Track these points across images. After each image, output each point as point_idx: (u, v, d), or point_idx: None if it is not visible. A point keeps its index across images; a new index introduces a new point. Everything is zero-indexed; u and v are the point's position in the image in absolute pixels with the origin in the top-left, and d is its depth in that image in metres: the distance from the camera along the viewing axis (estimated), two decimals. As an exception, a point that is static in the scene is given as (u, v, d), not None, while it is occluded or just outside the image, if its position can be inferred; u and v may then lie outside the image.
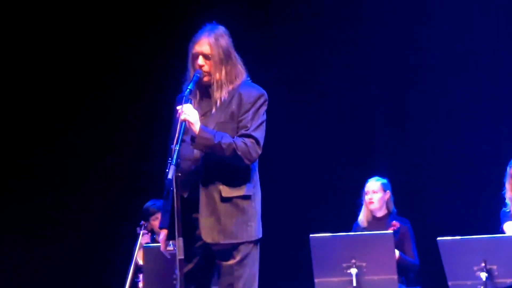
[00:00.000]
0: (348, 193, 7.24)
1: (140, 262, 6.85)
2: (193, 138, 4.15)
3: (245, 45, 7.69)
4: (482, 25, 7.73)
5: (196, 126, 4.13)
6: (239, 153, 4.19)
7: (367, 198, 6.90)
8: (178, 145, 4.02)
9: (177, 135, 4.06)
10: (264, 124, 4.35)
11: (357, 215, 6.96)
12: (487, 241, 5.71)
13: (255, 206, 4.36)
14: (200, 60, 4.29)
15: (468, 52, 7.75)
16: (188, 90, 4.19)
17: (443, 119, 7.83)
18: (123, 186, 8.30)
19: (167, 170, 3.97)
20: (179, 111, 4.14)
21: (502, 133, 7.54)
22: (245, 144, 4.23)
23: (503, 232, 6.13)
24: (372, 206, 6.88)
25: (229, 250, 4.26)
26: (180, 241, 4.11)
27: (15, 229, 8.36)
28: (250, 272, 4.31)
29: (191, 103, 4.20)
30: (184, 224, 4.16)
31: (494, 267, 5.60)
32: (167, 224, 4.28)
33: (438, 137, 7.82)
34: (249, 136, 4.26)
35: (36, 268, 8.36)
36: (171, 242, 4.39)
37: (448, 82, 7.85)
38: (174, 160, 3.98)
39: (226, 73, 4.30)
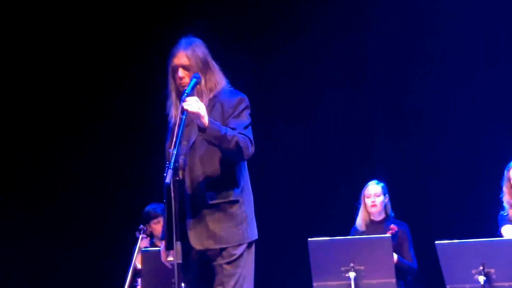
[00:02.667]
0: (346, 197, 7.25)
1: (139, 266, 6.85)
2: (202, 129, 4.15)
3: (242, 50, 7.76)
4: (479, 31, 7.75)
5: (206, 118, 4.14)
6: (241, 145, 4.21)
7: (368, 201, 6.90)
8: (176, 149, 4.03)
9: (174, 139, 4.07)
10: (251, 126, 4.38)
11: (355, 219, 6.96)
12: (485, 245, 5.71)
13: (245, 209, 4.38)
14: (180, 72, 4.34)
15: (466, 57, 7.77)
16: (185, 94, 4.20)
17: (441, 122, 7.84)
18: (123, 190, 8.30)
19: (165, 174, 3.98)
20: (184, 107, 4.14)
21: (499, 137, 7.56)
22: (244, 136, 4.26)
23: (501, 236, 6.14)
24: (374, 209, 6.88)
25: (220, 253, 4.30)
26: (178, 245, 4.12)
27: (14, 233, 8.36)
28: (242, 272, 4.33)
29: (195, 83, 4.23)
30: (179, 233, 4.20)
31: (492, 270, 5.60)
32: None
33: (436, 140, 7.83)
34: (241, 134, 4.29)
35: (35, 271, 8.36)
36: (171, 251, 4.41)
37: (446, 87, 7.86)
38: (172, 164, 3.99)
39: (205, 81, 4.35)
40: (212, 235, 4.26)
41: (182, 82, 4.33)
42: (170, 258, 4.37)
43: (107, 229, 8.25)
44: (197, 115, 4.10)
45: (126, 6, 8.52)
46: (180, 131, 4.08)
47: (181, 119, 4.11)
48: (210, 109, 4.30)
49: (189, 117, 4.14)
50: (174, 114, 4.39)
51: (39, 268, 8.37)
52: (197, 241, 4.25)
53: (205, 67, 4.36)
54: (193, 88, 4.27)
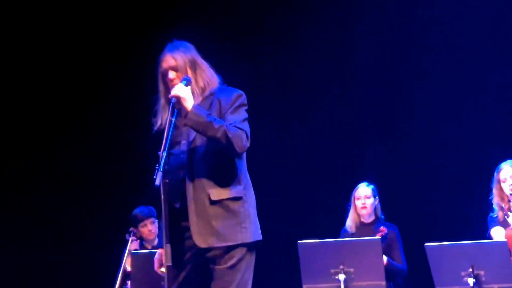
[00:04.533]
0: (335, 199, 7.26)
1: (129, 268, 6.84)
2: (185, 114, 4.17)
3: (231, 53, 7.74)
4: (468, 35, 7.78)
5: (189, 102, 4.17)
6: (230, 136, 4.17)
7: (359, 203, 6.90)
8: (166, 151, 4.03)
9: (164, 141, 4.07)
10: (247, 121, 4.36)
11: (344, 221, 6.97)
12: (475, 247, 5.72)
13: (248, 207, 4.35)
14: (170, 74, 4.34)
15: (455, 60, 7.79)
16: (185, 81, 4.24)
17: (430, 125, 7.86)
18: (114, 191, 8.29)
19: (154, 177, 3.98)
20: (170, 94, 4.17)
21: (489, 139, 7.58)
22: (238, 128, 4.24)
23: (490, 238, 6.15)
24: (364, 211, 6.89)
25: (222, 254, 4.24)
26: (167, 247, 4.10)
27: (5, 234, 8.34)
28: (243, 278, 4.29)
29: (186, 84, 4.23)
30: (177, 233, 4.19)
31: (482, 272, 5.62)
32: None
33: (426, 143, 7.85)
34: (237, 127, 4.28)
35: (25, 272, 8.34)
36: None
37: (435, 89, 7.89)
38: (161, 166, 3.99)
39: (196, 80, 4.34)
40: (215, 232, 4.21)
41: (173, 83, 4.32)
42: (163, 270, 4.33)
43: (97, 231, 8.24)
44: (181, 99, 4.13)
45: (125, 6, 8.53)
46: (170, 134, 4.08)
47: (170, 121, 4.11)
48: (207, 107, 4.30)
49: (178, 105, 4.15)
50: (163, 119, 4.37)
51: (29, 270, 8.34)
52: (200, 239, 4.19)
53: (193, 66, 4.36)
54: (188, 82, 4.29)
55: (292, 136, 8.16)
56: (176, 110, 4.16)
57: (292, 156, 8.17)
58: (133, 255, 6.41)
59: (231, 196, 4.28)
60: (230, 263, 4.25)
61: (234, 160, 4.31)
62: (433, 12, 7.87)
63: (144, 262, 6.01)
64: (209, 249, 4.22)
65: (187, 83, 4.26)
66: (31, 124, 8.55)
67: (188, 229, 4.22)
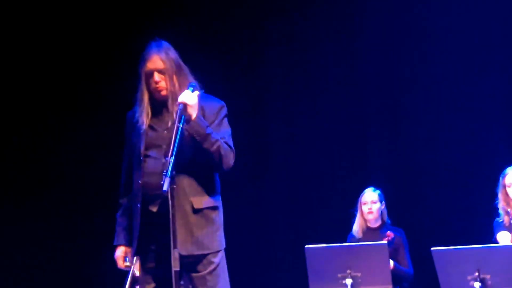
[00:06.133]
0: (342, 203, 7.27)
1: (137, 273, 6.84)
2: (188, 121, 4.20)
3: (235, 53, 7.72)
4: (472, 36, 7.76)
5: (194, 110, 4.21)
6: (222, 153, 4.27)
7: (365, 208, 6.93)
8: (174, 157, 4.05)
9: (171, 147, 4.09)
10: (231, 134, 4.43)
11: (351, 225, 7.00)
12: (481, 251, 5.72)
13: (221, 216, 4.45)
14: (156, 77, 4.35)
15: (461, 64, 7.77)
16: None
17: (436, 129, 7.85)
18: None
19: (162, 182, 4.01)
20: (179, 99, 4.19)
21: (495, 143, 7.57)
22: (228, 147, 4.33)
23: (496, 242, 6.17)
24: (371, 216, 6.91)
25: (200, 261, 4.34)
26: (176, 253, 4.14)
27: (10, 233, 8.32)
28: (224, 281, 4.40)
29: (193, 91, 4.25)
30: (152, 238, 4.29)
31: (488, 276, 5.62)
32: (126, 241, 4.45)
33: (432, 147, 7.84)
34: (228, 144, 4.35)
35: (27, 276, 8.30)
36: (127, 258, 4.49)
37: (441, 94, 7.88)
38: (169, 172, 4.02)
39: (179, 84, 4.36)
40: (196, 241, 4.30)
41: (158, 86, 4.35)
42: (127, 264, 4.46)
43: (103, 234, 8.18)
44: (188, 106, 4.16)
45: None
46: (177, 139, 4.10)
47: (178, 127, 4.13)
48: None
49: (184, 111, 4.17)
50: (144, 120, 4.39)
51: (29, 276, 8.30)
52: (181, 247, 4.22)
53: (179, 70, 4.39)
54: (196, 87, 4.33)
55: (299, 141, 8.16)
56: (183, 116, 4.20)
57: (298, 161, 8.17)
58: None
59: (210, 205, 4.38)
60: (209, 269, 4.35)
61: (213, 171, 4.41)
62: (441, 12, 7.84)
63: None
64: (187, 256, 4.29)
65: (194, 89, 4.30)
66: (24, 117, 8.42)
67: (165, 234, 4.20)
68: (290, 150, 8.17)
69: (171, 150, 4.08)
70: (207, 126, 4.26)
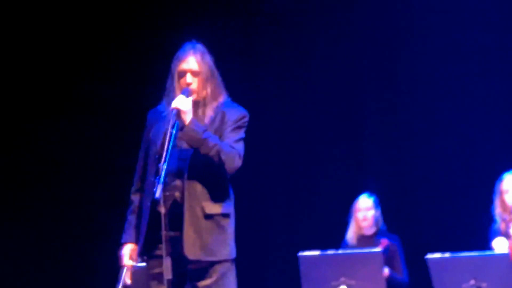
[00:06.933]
0: (336, 209, 7.23)
1: (128, 281, 6.78)
2: (181, 127, 4.16)
3: (232, 54, 7.69)
4: (471, 38, 7.75)
5: (188, 116, 4.16)
6: (223, 156, 4.20)
7: (360, 215, 6.87)
8: (166, 163, 4.01)
9: (164, 153, 4.06)
10: (243, 141, 4.37)
11: (345, 232, 6.94)
12: (477, 259, 5.70)
13: (232, 225, 4.38)
14: (189, 78, 4.31)
15: (459, 66, 7.76)
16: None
17: (432, 134, 7.84)
18: (113, 202, 8.22)
19: (154, 189, 3.96)
20: (172, 105, 4.15)
21: (491, 149, 7.55)
22: (232, 148, 4.25)
23: (492, 249, 6.13)
24: (365, 224, 6.86)
25: (206, 269, 4.25)
26: (168, 261, 4.09)
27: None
28: None
29: (187, 96, 4.21)
30: (159, 240, 4.18)
31: (484, 284, 5.59)
32: (134, 239, 4.34)
33: (427, 153, 7.82)
34: (231, 146, 4.29)
35: (27, 276, 8.26)
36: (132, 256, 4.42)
37: (437, 98, 7.86)
38: (162, 179, 3.97)
39: (211, 90, 4.34)
40: (204, 247, 4.22)
41: (189, 88, 4.31)
42: (132, 262, 4.42)
43: (95, 241, 8.15)
44: (181, 112, 4.13)
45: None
46: (170, 145, 4.07)
47: (171, 133, 4.10)
48: (213, 119, 4.31)
49: (177, 117, 4.14)
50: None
51: (24, 280, 8.26)
52: (190, 251, 4.18)
53: (212, 76, 4.36)
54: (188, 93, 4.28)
55: (292, 146, 8.14)
56: (176, 122, 4.15)
57: (291, 166, 8.15)
58: (133, 269, 6.36)
59: (222, 212, 4.31)
60: (214, 278, 4.26)
61: (227, 176, 4.33)
62: (440, 10, 7.82)
63: (144, 275, 5.95)
64: (193, 262, 4.22)
65: (188, 94, 4.25)
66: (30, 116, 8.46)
67: (176, 237, 4.18)
68: (284, 156, 8.15)
69: (163, 156, 4.04)
70: (204, 131, 4.19)
